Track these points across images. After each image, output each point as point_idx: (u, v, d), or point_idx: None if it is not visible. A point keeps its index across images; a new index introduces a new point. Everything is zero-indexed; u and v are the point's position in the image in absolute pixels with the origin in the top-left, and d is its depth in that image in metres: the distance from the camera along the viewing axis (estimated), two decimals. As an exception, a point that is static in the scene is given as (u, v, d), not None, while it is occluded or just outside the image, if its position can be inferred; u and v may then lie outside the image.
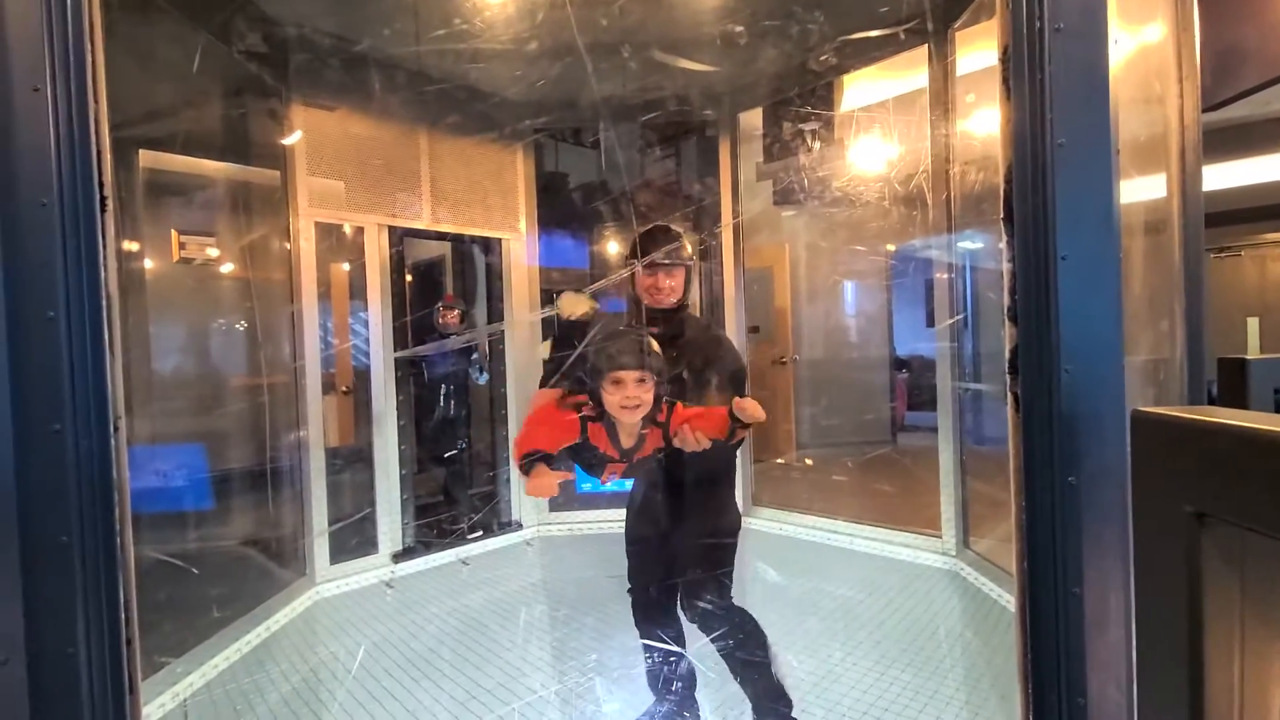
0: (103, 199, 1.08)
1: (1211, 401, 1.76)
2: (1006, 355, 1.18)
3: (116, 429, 1.13)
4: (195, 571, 3.04)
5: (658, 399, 1.91)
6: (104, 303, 1.09)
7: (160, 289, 3.94)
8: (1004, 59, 1.16)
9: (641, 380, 1.86)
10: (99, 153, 1.08)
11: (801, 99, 4.47)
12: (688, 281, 2.15)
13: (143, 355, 3.76)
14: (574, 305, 2.29)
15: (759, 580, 3.84)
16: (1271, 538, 0.70)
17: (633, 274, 2.18)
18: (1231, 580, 0.82)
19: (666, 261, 2.09)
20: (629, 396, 1.85)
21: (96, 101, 1.10)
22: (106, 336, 1.10)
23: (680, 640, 2.33)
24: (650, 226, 2.23)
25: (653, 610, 2.33)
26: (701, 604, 2.16)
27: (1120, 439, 1.06)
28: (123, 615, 1.19)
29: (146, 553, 3.03)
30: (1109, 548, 1.06)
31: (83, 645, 1.17)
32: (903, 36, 3.84)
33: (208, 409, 4.03)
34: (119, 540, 1.15)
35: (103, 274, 1.08)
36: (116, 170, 3.50)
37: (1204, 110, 1.77)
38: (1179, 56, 1.83)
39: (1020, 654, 1.19)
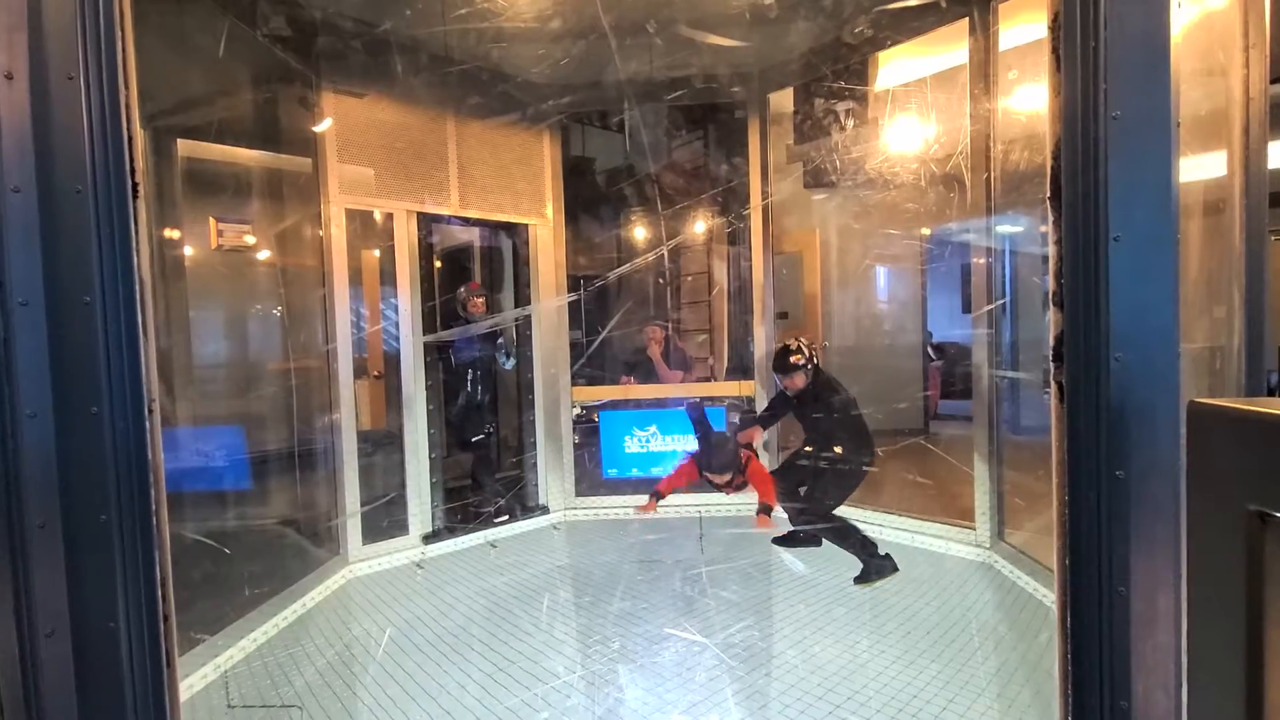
0: (134, 185, 1.10)
1: (1271, 393, 1.66)
2: (1050, 342, 1.12)
3: (151, 411, 1.16)
4: (228, 552, 3.14)
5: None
6: (137, 287, 1.11)
7: (199, 275, 4.05)
8: (1054, 27, 1.09)
9: (729, 480, 3.73)
10: (130, 139, 1.09)
11: (835, 76, 4.33)
12: (806, 374, 3.60)
13: (183, 340, 3.87)
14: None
15: (787, 569, 3.81)
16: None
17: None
18: (1297, 584, 0.76)
19: (786, 375, 3.63)
20: (722, 487, 3.78)
21: (127, 88, 1.10)
22: (140, 320, 1.11)
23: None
24: (780, 348, 3.75)
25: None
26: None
27: (1174, 432, 1.00)
28: (159, 592, 1.23)
29: (185, 532, 3.15)
30: (1159, 546, 1.01)
31: (123, 620, 1.21)
32: (944, 4, 3.67)
33: (245, 392, 4.14)
34: (155, 520, 1.18)
35: (135, 259, 1.10)
36: (157, 160, 3.57)
37: (1274, 81, 1.65)
38: (1245, 22, 1.71)
39: (1060, 653, 1.14)
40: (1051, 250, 1.11)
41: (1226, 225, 1.76)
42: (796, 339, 3.68)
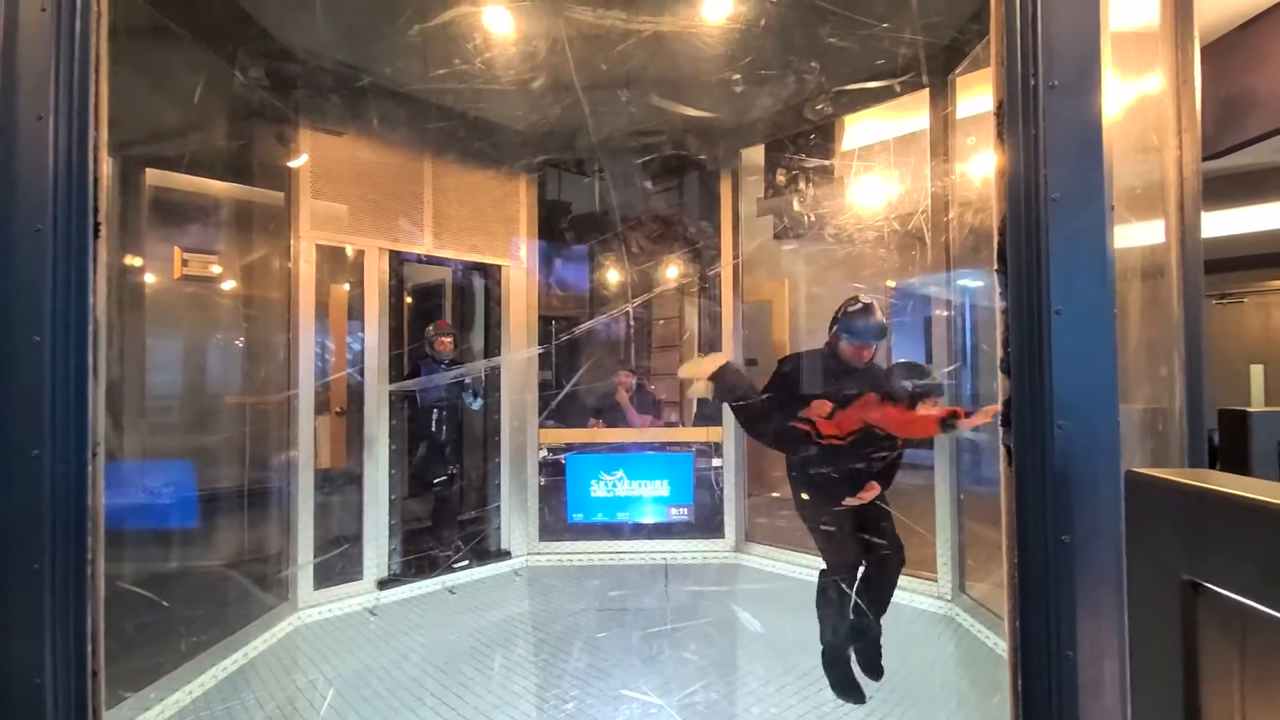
0: (96, 225, 1.08)
1: (1213, 452, 1.73)
2: (999, 407, 1.17)
3: (95, 454, 1.12)
4: (165, 605, 2.96)
5: None
6: (90, 328, 1.08)
7: (160, 304, 3.96)
8: (998, 113, 1.17)
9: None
10: (95, 180, 1.08)
11: (801, 138, 4.53)
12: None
13: (137, 371, 3.75)
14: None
15: (748, 622, 3.76)
16: (1271, 612, 0.68)
17: (833, 337, 2.80)
18: (1230, 654, 0.79)
19: (868, 340, 2.71)
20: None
21: (97, 130, 1.10)
22: (91, 361, 1.08)
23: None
24: (861, 305, 2.73)
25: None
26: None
27: (1115, 498, 1.04)
28: (89, 646, 1.16)
29: (124, 572, 2.98)
30: (1104, 611, 1.04)
31: (49, 675, 1.14)
32: (898, 89, 3.91)
33: (199, 426, 4.01)
34: (90, 569, 1.12)
35: (91, 299, 1.08)
36: (124, 188, 3.53)
37: (1207, 158, 1.78)
38: (1179, 108, 1.85)
39: (1013, 715, 1.15)
40: (999, 319, 1.17)
41: (1165, 292, 1.87)
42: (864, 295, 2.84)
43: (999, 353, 1.18)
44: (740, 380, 3.02)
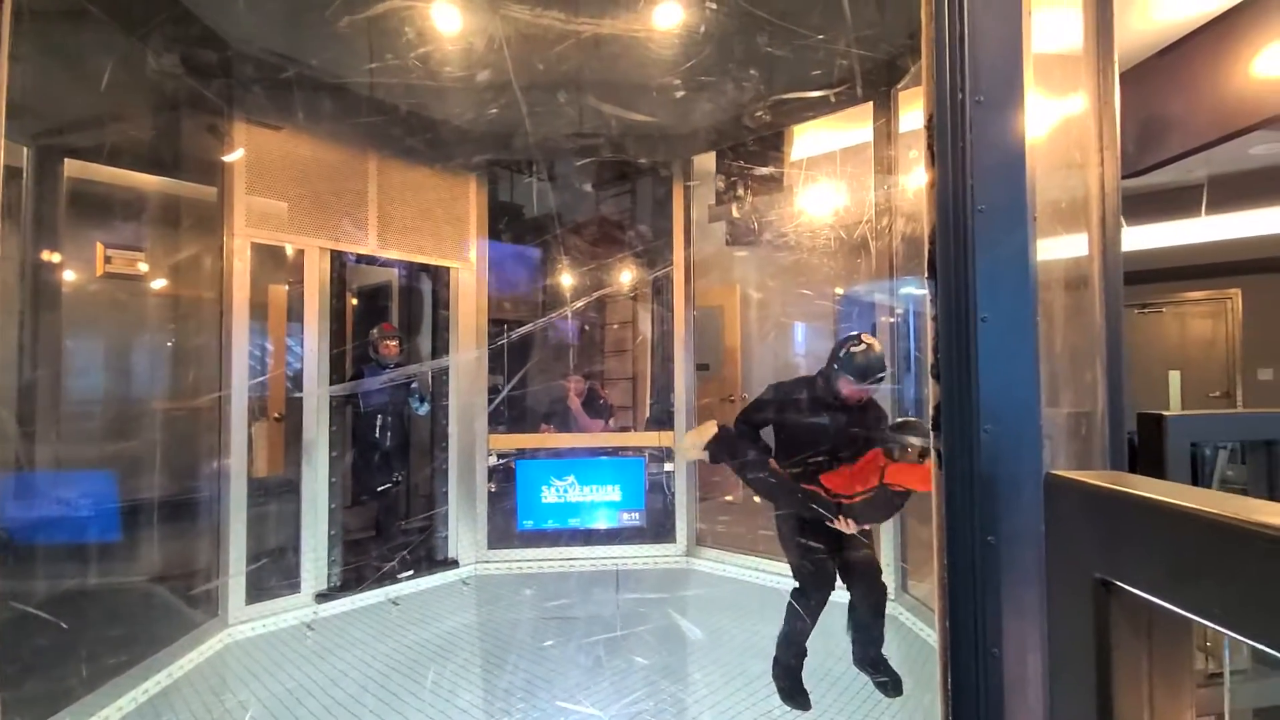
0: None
1: (1133, 454, 1.82)
2: (930, 411, 1.20)
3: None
4: (64, 627, 2.74)
5: None
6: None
7: (79, 303, 3.71)
8: (929, 126, 1.20)
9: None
10: (-18, 166, 1.00)
11: (750, 146, 4.60)
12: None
13: (52, 375, 3.51)
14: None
15: (699, 624, 3.77)
16: (1176, 609, 0.71)
17: (832, 372, 2.79)
18: (1139, 650, 0.82)
19: (863, 387, 2.71)
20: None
21: (-15, 113, 1.01)
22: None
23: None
24: (866, 346, 2.72)
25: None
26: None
27: (1036, 500, 1.08)
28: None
29: (35, 590, 2.78)
30: (1027, 609, 1.07)
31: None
32: (833, 99, 4.02)
33: (122, 432, 3.77)
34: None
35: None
36: (39, 180, 3.31)
37: (1127, 176, 1.88)
38: (1100, 128, 1.94)
39: (942, 713, 1.17)
40: (930, 325, 1.20)
41: (1088, 302, 1.96)
42: (866, 335, 2.84)
43: (930, 359, 1.20)
44: (737, 447, 2.99)
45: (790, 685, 2.84)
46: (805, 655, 2.88)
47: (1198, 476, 1.47)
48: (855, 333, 2.82)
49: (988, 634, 1.08)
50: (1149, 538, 0.76)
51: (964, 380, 1.11)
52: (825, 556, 2.76)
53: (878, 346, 2.75)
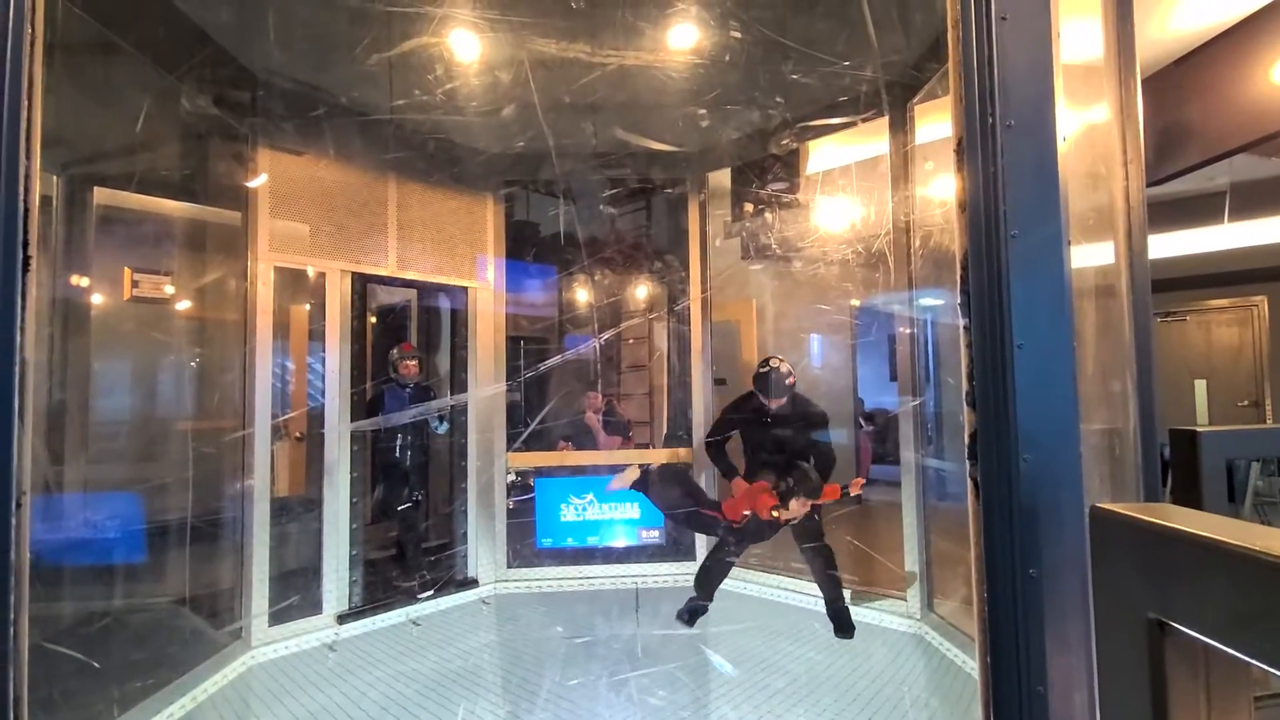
0: (26, 260, 1.02)
1: (1165, 469, 1.77)
2: (966, 440, 1.17)
3: (19, 505, 1.04)
4: (97, 666, 2.78)
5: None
6: (16, 369, 1.01)
7: (108, 327, 3.78)
8: (958, 150, 1.19)
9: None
10: (26, 211, 1.02)
11: (767, 163, 4.60)
12: (789, 394, 3.67)
13: (80, 398, 3.57)
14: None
15: (722, 644, 3.72)
16: (1239, 655, 0.68)
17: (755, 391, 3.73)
18: (1197, 694, 0.79)
19: (776, 395, 3.65)
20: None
21: (29, 159, 1.04)
22: (16, 407, 1.01)
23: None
24: (770, 368, 3.64)
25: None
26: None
27: (1079, 531, 1.05)
28: (11, 714, 1.07)
29: (63, 614, 2.81)
30: (1073, 645, 1.04)
31: (-35, 745, 1.05)
32: (860, 123, 4.02)
33: (148, 454, 3.83)
34: (12, 630, 1.04)
35: (18, 339, 1.01)
36: (70, 207, 3.38)
37: (1148, 185, 1.86)
38: (1124, 139, 1.92)
39: (985, 751, 1.14)
40: (964, 352, 1.18)
41: (1117, 314, 1.93)
42: (776, 357, 3.70)
43: (965, 386, 1.18)
44: (665, 493, 4.10)
45: (690, 610, 3.80)
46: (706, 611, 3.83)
47: (1233, 495, 1.43)
48: (766, 357, 3.72)
49: (1032, 671, 1.05)
50: (1207, 579, 0.74)
51: (1000, 408, 1.09)
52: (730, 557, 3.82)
53: (784, 366, 3.65)
